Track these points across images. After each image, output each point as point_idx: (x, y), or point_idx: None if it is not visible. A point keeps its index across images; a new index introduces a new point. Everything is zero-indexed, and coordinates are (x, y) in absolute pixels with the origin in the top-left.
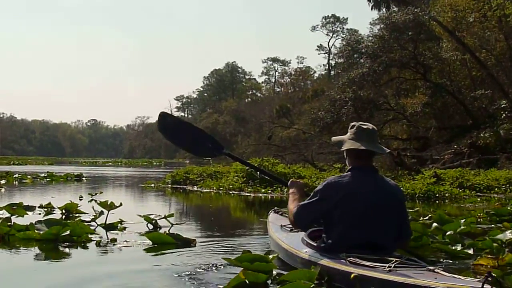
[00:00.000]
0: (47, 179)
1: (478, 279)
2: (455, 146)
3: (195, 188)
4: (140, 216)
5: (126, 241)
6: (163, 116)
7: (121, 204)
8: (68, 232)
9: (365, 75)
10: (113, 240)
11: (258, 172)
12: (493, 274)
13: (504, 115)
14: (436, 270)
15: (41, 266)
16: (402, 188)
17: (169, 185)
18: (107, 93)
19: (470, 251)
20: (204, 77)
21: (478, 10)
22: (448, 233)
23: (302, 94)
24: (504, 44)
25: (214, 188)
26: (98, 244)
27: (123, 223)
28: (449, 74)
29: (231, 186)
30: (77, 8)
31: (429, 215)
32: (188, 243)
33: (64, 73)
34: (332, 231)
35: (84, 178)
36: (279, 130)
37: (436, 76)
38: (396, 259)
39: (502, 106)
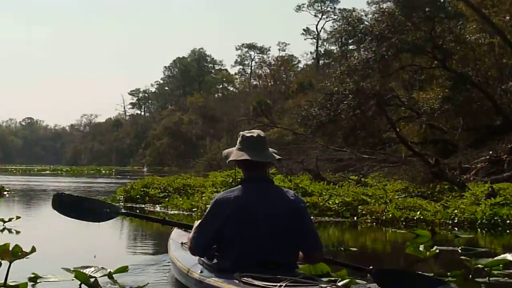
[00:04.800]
0: None
1: None
2: (491, 152)
3: (158, 208)
4: (67, 270)
5: None
6: (58, 195)
7: (32, 251)
8: None
9: (370, 61)
10: None
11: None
12: None
13: None
14: None
15: None
16: (448, 210)
17: (121, 204)
18: (45, 87)
19: None
20: (165, 67)
21: None
22: None
23: (285, 88)
24: None
25: (185, 208)
26: None
27: (38, 282)
28: (474, 61)
29: (208, 206)
30: None
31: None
32: None
33: None
34: (225, 250)
35: (5, 192)
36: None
37: (458, 64)
38: (290, 278)
39: None
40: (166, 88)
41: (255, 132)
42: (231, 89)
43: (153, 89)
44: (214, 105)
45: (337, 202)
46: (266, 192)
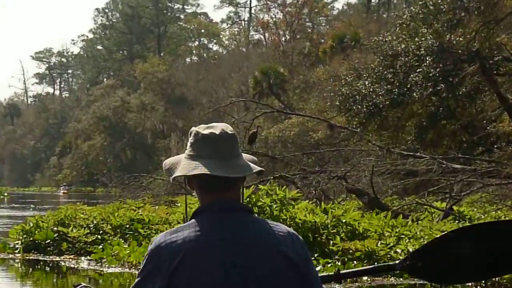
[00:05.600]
0: None
1: None
2: None
3: (84, 264)
4: None
5: None
6: None
7: None
8: None
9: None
10: None
11: None
12: None
13: None
14: None
15: None
16: None
17: (19, 256)
18: None
19: None
20: (97, 10)
21: None
22: None
23: (311, 46)
24: None
25: (134, 263)
26: None
27: None
28: None
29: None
30: None
31: None
32: None
33: None
34: None
35: None
36: (264, 122)
37: None
38: None
39: None
40: (99, 47)
41: (218, 127)
42: (215, 48)
43: (75, 50)
44: (185, 78)
45: (410, 249)
46: (239, 229)
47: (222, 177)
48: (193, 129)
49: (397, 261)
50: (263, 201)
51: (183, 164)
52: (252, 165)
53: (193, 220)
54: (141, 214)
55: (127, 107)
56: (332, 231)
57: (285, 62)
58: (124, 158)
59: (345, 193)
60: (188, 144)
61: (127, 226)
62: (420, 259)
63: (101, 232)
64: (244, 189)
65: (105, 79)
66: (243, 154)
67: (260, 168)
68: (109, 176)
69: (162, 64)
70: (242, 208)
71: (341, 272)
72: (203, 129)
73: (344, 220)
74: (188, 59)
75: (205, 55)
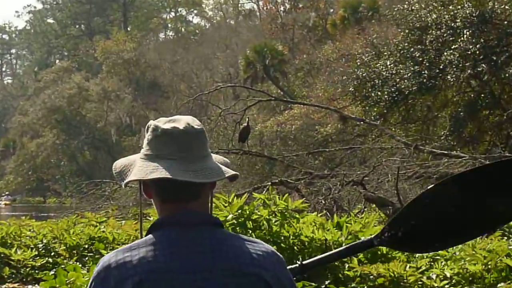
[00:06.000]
0: None
1: None
2: None
3: None
4: None
5: None
6: None
7: None
8: None
9: None
10: None
11: None
12: None
13: None
14: None
15: None
16: None
17: None
18: None
19: None
20: None
21: None
22: None
23: (318, 17)
24: None
25: None
26: None
27: None
28: None
29: None
30: None
31: None
32: None
33: None
34: None
35: None
36: (259, 113)
37: None
38: None
39: None
40: (50, 20)
41: (182, 121)
42: (196, 21)
43: (20, 24)
44: (158, 59)
45: (448, 274)
46: (207, 248)
47: (187, 183)
48: (151, 123)
49: (373, 236)
50: (259, 213)
51: (139, 166)
52: (224, 168)
53: (150, 236)
54: (103, 231)
55: (86, 95)
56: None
57: (284, 37)
58: (81, 160)
59: (363, 203)
60: (145, 141)
61: (86, 246)
62: (400, 227)
63: (52, 254)
64: (236, 198)
65: (57, 61)
66: (213, 154)
67: (234, 173)
68: (63, 182)
69: (129, 41)
70: (210, 222)
71: (304, 262)
72: (164, 123)
73: (362, 238)
74: (161, 35)
75: (183, 29)
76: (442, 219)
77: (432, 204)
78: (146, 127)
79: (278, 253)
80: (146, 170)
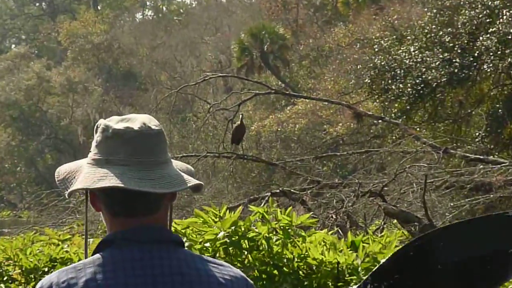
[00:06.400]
0: None
1: None
2: None
3: None
4: None
5: None
6: None
7: None
8: None
9: None
10: None
11: None
12: None
13: None
14: None
15: None
16: None
17: None
18: None
19: None
20: None
21: None
22: None
23: None
24: None
25: None
26: None
27: None
28: None
29: None
30: None
31: None
32: None
33: None
34: None
35: None
36: (255, 110)
37: None
38: None
39: None
40: None
41: (138, 120)
42: None
43: None
44: (134, 44)
45: None
46: (165, 271)
47: (142, 194)
48: (101, 122)
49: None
50: (256, 230)
51: (86, 172)
52: (186, 176)
53: (98, 256)
54: (67, 251)
55: (47, 87)
56: (365, 277)
57: (286, 18)
58: (42, 165)
59: (382, 218)
60: (93, 143)
61: (46, 269)
62: (383, 279)
63: (5, 278)
64: (228, 211)
65: (13, 46)
66: (173, 160)
67: (197, 182)
68: (19, 192)
69: (99, 22)
70: (170, 240)
71: None
72: (116, 122)
73: (382, 260)
74: (138, 15)
75: (164, 8)
76: (429, 276)
77: (417, 257)
78: (95, 126)
79: (248, 279)
80: (93, 178)
